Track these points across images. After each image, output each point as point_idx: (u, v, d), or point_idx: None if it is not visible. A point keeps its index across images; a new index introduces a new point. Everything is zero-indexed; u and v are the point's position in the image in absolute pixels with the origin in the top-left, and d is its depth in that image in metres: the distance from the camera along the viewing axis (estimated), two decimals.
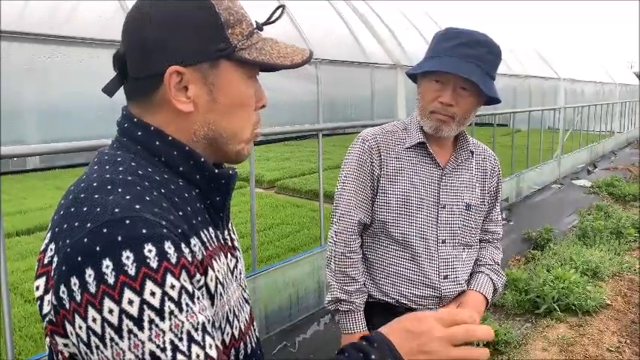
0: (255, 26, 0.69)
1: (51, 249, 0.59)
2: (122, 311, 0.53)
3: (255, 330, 0.80)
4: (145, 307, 0.53)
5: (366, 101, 3.88)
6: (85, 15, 2.22)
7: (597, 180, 7.94)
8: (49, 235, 0.61)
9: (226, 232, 0.76)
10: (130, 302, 0.53)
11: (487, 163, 1.45)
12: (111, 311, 0.53)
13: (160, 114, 0.67)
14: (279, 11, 0.70)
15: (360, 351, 0.62)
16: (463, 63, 1.23)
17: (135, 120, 0.67)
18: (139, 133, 0.67)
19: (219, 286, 0.66)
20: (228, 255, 0.74)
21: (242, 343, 0.73)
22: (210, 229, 0.68)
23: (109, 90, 0.70)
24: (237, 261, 0.77)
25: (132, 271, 0.53)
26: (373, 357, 0.61)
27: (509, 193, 6.11)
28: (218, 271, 0.67)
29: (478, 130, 5.57)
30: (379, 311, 1.40)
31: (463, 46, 1.25)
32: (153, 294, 0.54)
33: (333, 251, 1.40)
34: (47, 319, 0.58)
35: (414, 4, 5.46)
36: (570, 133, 8.74)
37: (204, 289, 0.63)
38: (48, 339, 0.61)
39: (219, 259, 0.69)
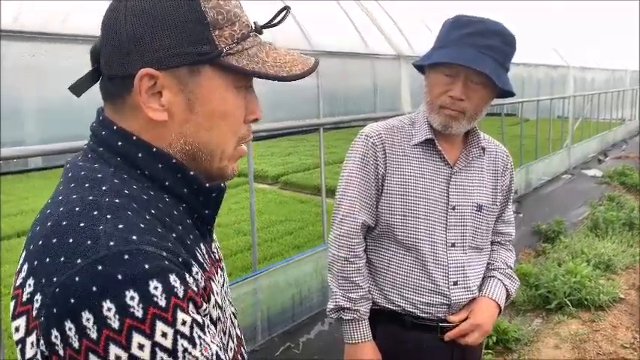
0: (252, 28, 0.61)
1: (29, 284, 0.52)
2: (132, 357, 0.48)
3: (244, 346, 0.76)
4: (157, 349, 0.49)
5: (368, 94, 3.79)
6: (83, 13, 2.17)
7: (608, 169, 7.81)
8: (25, 267, 0.53)
9: (213, 245, 0.70)
10: (141, 347, 0.48)
11: (499, 161, 1.37)
12: (118, 358, 0.48)
13: (134, 120, 0.59)
14: (283, 13, 0.62)
15: None
16: (476, 54, 1.13)
17: (115, 128, 0.60)
18: (119, 144, 0.59)
19: (218, 310, 0.62)
20: (219, 270, 0.68)
21: None
22: (202, 246, 0.63)
23: (78, 88, 0.61)
24: (223, 272, 0.72)
25: (139, 313, 0.48)
26: None
27: (518, 185, 6.00)
28: (217, 293, 0.63)
29: (485, 120, 5.41)
30: (384, 319, 1.33)
31: (475, 36, 1.15)
32: (164, 335, 0.49)
33: (334, 256, 1.31)
34: None
35: None
36: (580, 121, 8.58)
37: (208, 316, 0.59)
38: None
39: (215, 278, 0.63)
